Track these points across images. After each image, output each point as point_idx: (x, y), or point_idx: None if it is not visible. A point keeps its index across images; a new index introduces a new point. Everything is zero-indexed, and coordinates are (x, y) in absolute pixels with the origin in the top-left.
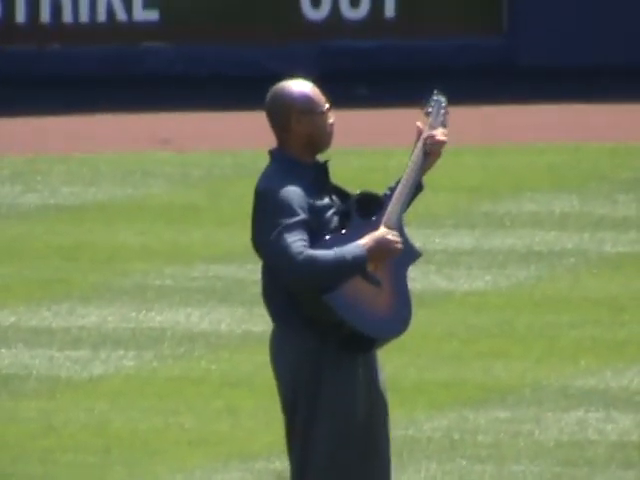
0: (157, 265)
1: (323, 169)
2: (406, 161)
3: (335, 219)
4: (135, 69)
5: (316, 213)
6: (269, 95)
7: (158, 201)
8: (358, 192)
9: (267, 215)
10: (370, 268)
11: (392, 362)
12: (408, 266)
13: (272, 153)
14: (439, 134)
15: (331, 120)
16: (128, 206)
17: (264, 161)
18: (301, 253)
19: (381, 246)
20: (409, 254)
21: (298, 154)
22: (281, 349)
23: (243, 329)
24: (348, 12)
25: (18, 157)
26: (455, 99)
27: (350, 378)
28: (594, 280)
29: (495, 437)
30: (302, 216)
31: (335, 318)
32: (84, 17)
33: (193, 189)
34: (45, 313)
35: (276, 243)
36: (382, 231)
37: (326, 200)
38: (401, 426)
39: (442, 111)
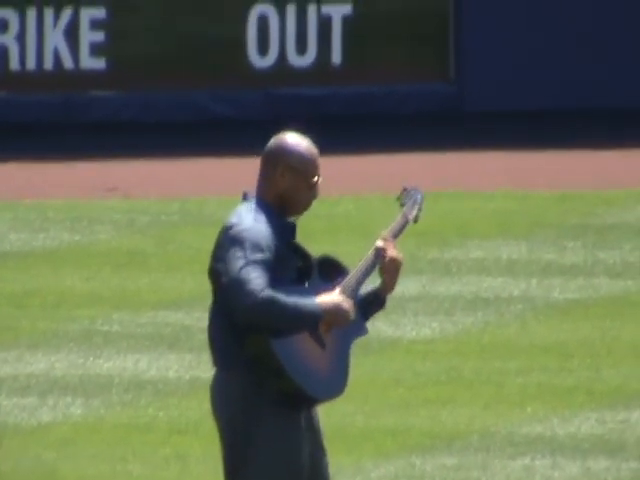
0: (104, 311)
1: (290, 228)
2: (351, 208)
3: (294, 272)
4: (82, 116)
5: (279, 259)
6: (272, 139)
7: (105, 247)
8: (321, 255)
9: (234, 246)
10: (321, 329)
11: (339, 409)
12: (353, 339)
13: (246, 196)
14: (394, 250)
15: (313, 194)
16: (75, 252)
17: (211, 208)
18: (262, 291)
19: (337, 310)
20: (357, 328)
21: (271, 205)
22: (222, 394)
23: (191, 375)
24: (295, 59)
25: None
26: (402, 146)
27: (291, 424)
28: (541, 326)
29: None
30: (268, 256)
31: (276, 365)
32: (31, 64)
33: (140, 235)
34: None
35: (239, 275)
36: (340, 297)
37: (289, 252)
38: (348, 474)
39: (417, 206)
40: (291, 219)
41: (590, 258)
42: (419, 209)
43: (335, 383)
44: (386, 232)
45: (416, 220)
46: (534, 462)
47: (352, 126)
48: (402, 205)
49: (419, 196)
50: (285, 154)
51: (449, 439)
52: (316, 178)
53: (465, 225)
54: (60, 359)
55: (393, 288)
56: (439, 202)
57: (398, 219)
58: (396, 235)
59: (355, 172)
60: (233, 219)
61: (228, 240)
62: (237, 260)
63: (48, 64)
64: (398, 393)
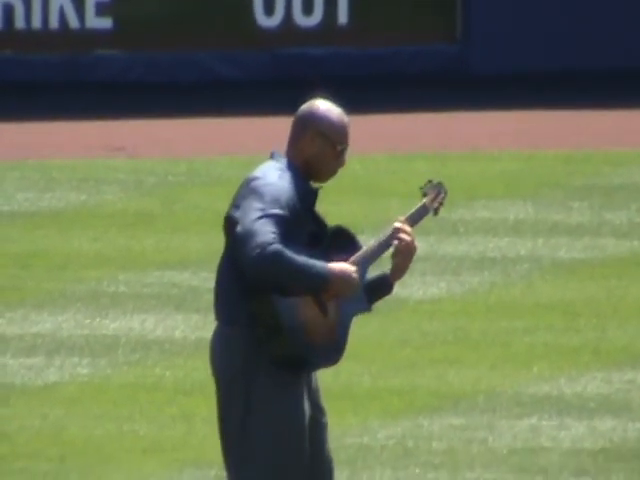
0: (111, 272)
1: (313, 193)
2: (357, 168)
3: (306, 238)
4: (88, 76)
5: (296, 221)
6: (305, 103)
7: (112, 208)
8: (336, 225)
9: (254, 197)
10: (325, 297)
11: (346, 370)
12: (355, 314)
13: (273, 155)
14: (411, 236)
15: (340, 162)
16: (82, 213)
17: (219, 168)
18: (272, 244)
19: (344, 277)
20: (360, 304)
21: (298, 168)
22: (224, 350)
23: (197, 336)
24: (301, 19)
25: None
26: (408, 106)
27: (293, 384)
28: (548, 286)
29: (449, 444)
30: (286, 213)
31: (275, 325)
32: (37, 23)
33: (147, 196)
34: None
35: (253, 225)
36: (349, 266)
37: (306, 217)
38: (355, 434)
39: (439, 198)
40: (315, 185)
41: (596, 218)
42: (440, 203)
43: (331, 352)
44: (404, 217)
45: (436, 212)
46: (541, 422)
47: (358, 86)
48: (424, 195)
49: (442, 190)
50: (316, 119)
51: (456, 399)
52: (345, 146)
53: (472, 186)
54: (67, 319)
55: (403, 274)
56: (446, 163)
57: (418, 207)
58: (414, 222)
59: (361, 132)
60: (258, 173)
61: (249, 191)
62: (254, 211)
63: (54, 23)
64: (405, 353)
